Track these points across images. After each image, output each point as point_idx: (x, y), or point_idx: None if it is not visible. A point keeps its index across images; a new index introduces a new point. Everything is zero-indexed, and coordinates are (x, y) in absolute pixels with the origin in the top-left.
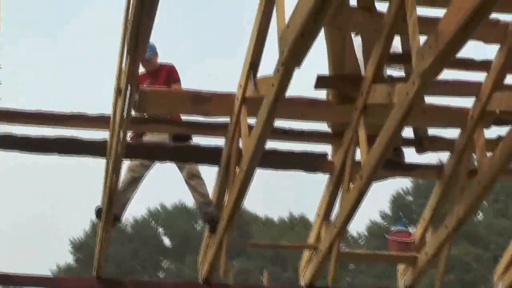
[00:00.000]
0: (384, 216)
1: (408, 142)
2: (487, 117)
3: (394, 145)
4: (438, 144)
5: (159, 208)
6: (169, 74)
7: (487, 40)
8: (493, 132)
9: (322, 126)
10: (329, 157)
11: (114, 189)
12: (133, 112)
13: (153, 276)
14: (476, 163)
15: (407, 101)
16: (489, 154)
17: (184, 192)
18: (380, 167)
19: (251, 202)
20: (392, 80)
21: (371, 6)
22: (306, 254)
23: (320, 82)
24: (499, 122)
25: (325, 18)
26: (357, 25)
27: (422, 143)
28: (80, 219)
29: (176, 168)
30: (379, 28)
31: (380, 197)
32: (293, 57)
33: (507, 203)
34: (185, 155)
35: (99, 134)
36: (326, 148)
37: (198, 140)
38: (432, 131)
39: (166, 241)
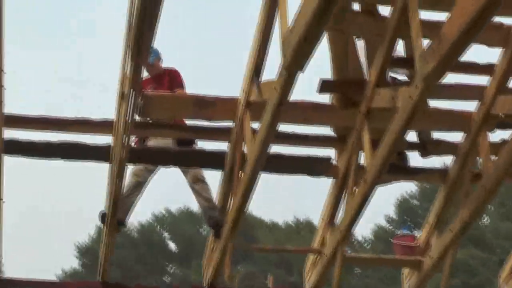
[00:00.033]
0: (389, 220)
1: (412, 146)
2: (491, 120)
3: (398, 149)
4: (442, 148)
5: (164, 212)
6: (173, 79)
7: (490, 43)
8: (497, 135)
9: (326, 130)
10: (333, 161)
11: (119, 194)
12: (136, 117)
13: (158, 281)
14: (480, 167)
15: (410, 105)
16: (493, 157)
17: (189, 196)
18: (384, 171)
19: (256, 206)
20: (395, 81)
21: (374, 10)
22: (310, 258)
23: (324, 86)
24: (503, 125)
25: (328, 22)
26: (360, 29)
27: (426, 147)
28: (85, 223)
29: (181, 173)
30: (382, 32)
31: (385, 201)
32: (296, 61)
33: None
34: (189, 160)
35: (103, 139)
36: (330, 152)
37: (202, 144)
38: (436, 135)
39: (172, 246)
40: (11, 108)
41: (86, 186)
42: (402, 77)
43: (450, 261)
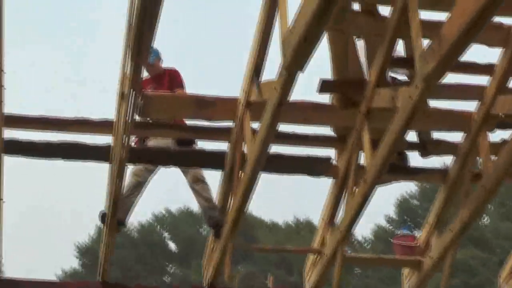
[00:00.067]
0: (389, 220)
1: (412, 146)
2: (491, 120)
3: (398, 149)
4: (442, 148)
5: (164, 212)
6: (173, 79)
7: (490, 43)
8: (497, 135)
9: (326, 130)
10: (333, 161)
11: (119, 194)
12: (136, 117)
13: (158, 281)
14: (480, 167)
15: (410, 105)
16: (493, 157)
17: (189, 196)
18: (384, 171)
19: (256, 206)
20: (394, 81)
21: (374, 10)
22: (310, 258)
23: (324, 86)
24: (503, 125)
25: (328, 23)
26: (360, 29)
27: (426, 147)
28: (86, 222)
29: (181, 173)
30: (382, 32)
31: (385, 201)
32: (296, 61)
33: None
34: (189, 160)
35: (103, 139)
36: (330, 152)
37: (202, 144)
38: (436, 135)
39: (172, 246)
40: (11, 108)
41: (86, 186)
42: (402, 77)
43: (450, 261)
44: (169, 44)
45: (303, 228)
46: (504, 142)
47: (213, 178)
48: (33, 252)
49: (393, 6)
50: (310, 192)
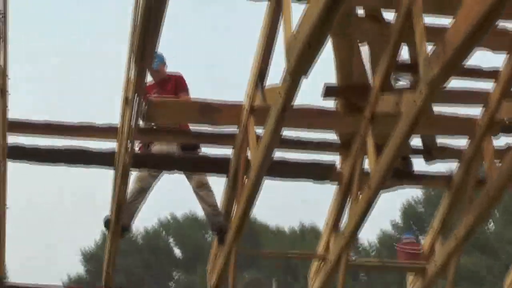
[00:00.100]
0: (395, 226)
1: (416, 151)
2: (495, 125)
3: (402, 154)
4: (447, 153)
5: (169, 218)
6: (177, 84)
7: (494, 48)
8: (502, 141)
9: (330, 136)
10: (338, 167)
11: (123, 200)
12: (141, 122)
13: (163, 287)
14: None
15: (414, 110)
16: (498, 162)
17: (194, 202)
18: (388, 177)
19: (261, 212)
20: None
21: (379, 15)
22: (315, 264)
23: (328, 91)
24: (508, 130)
25: (332, 28)
26: (364, 34)
27: (431, 152)
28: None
29: (185, 178)
30: (387, 38)
31: (391, 207)
32: (300, 66)
33: None
34: (193, 165)
35: (107, 145)
36: (334, 158)
37: (206, 150)
38: (440, 140)
39: (177, 252)
40: (15, 113)
41: (91, 190)
42: (403, 82)
43: (455, 267)
44: (173, 49)
45: (308, 234)
46: (509, 147)
47: (218, 183)
48: (39, 258)
49: (398, 11)
50: (315, 197)
